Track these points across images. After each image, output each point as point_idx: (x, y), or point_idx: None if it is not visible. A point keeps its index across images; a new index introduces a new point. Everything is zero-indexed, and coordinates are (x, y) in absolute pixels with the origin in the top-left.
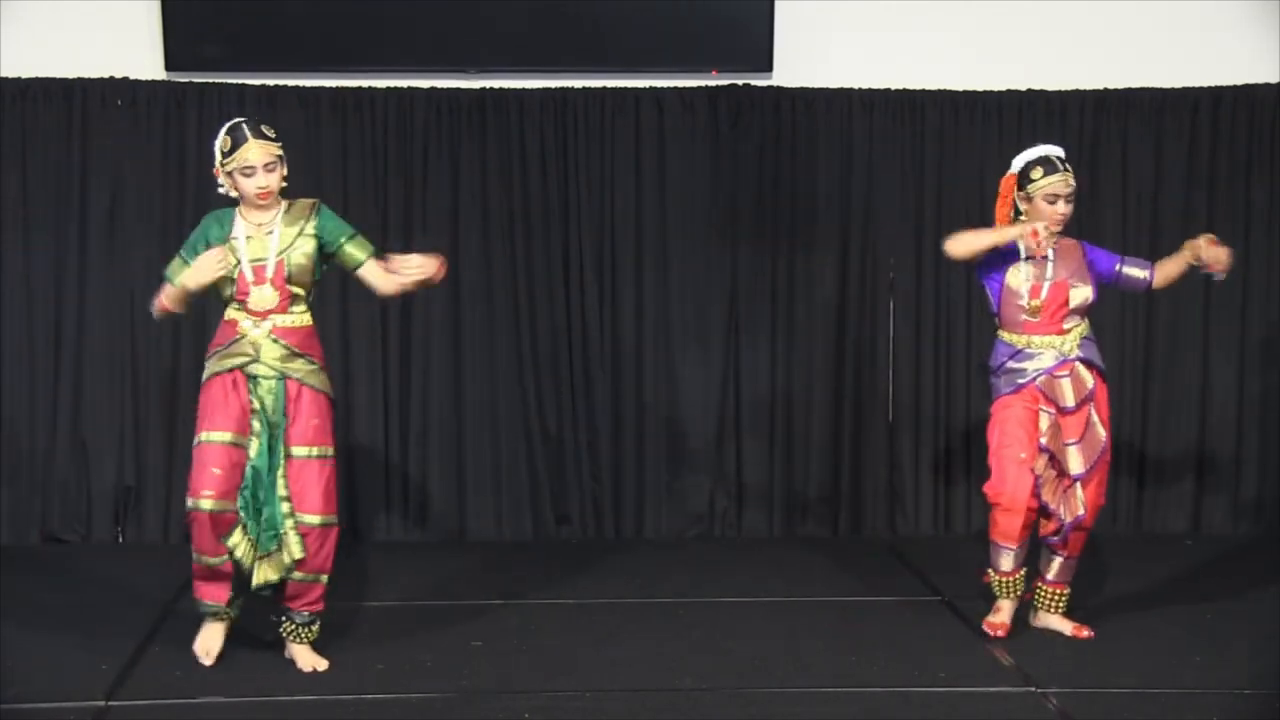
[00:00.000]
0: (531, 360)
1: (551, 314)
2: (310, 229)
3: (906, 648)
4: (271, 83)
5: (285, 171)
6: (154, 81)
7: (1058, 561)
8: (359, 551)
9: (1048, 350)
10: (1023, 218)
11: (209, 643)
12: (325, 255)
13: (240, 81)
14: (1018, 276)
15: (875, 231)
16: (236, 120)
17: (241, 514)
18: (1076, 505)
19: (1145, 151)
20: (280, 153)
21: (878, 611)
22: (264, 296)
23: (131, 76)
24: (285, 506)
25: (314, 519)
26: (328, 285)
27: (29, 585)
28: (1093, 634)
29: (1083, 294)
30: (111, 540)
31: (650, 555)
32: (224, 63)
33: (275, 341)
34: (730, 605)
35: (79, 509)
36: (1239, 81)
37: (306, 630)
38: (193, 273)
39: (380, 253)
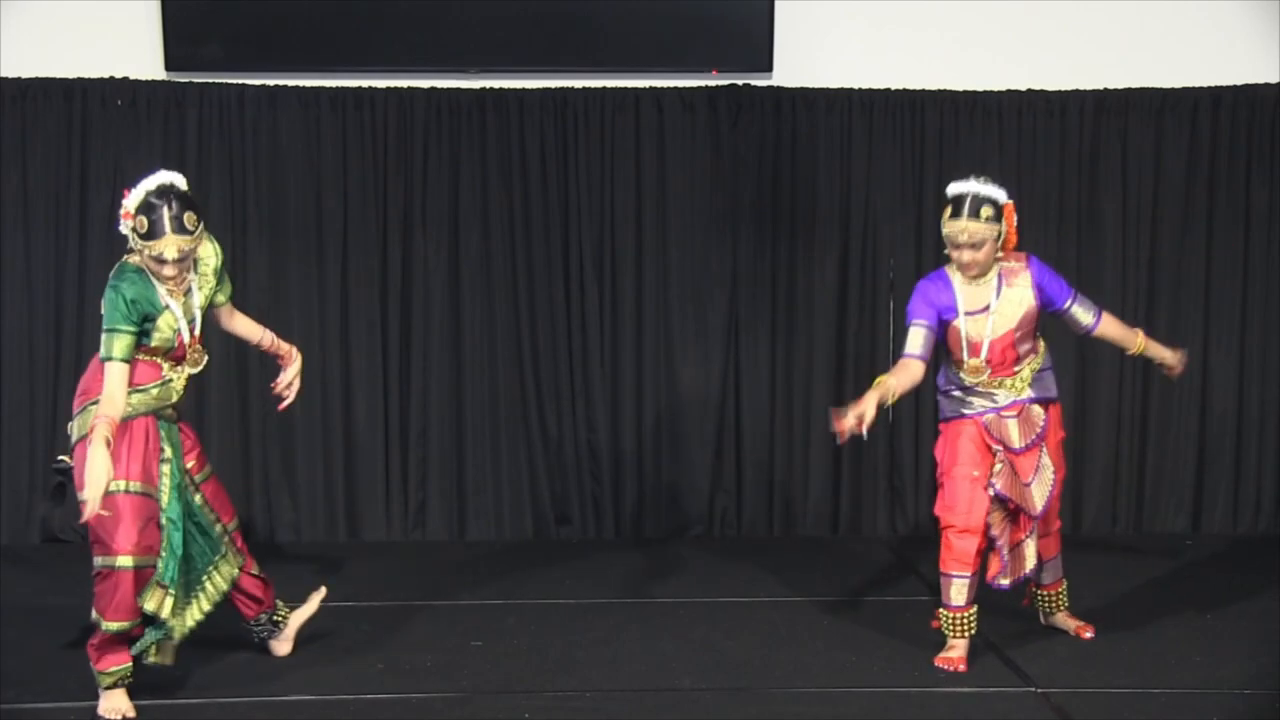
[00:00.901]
0: (531, 360)
1: (551, 314)
2: (214, 269)
3: (906, 648)
4: (271, 83)
5: (202, 240)
6: (154, 81)
7: (1047, 566)
8: (359, 551)
9: (998, 390)
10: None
11: (119, 701)
12: None
13: (240, 81)
14: (958, 333)
15: (875, 231)
16: (157, 197)
17: (159, 570)
18: (1024, 563)
19: (1145, 151)
20: (199, 239)
21: (878, 611)
22: (194, 349)
23: (131, 76)
24: (219, 528)
25: (235, 523)
26: (329, 284)
27: (29, 585)
28: (1094, 633)
29: (1028, 316)
30: None
31: (650, 555)
32: (224, 63)
33: (186, 386)
34: (730, 605)
35: (79, 509)
36: (1239, 81)
37: (283, 614)
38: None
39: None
